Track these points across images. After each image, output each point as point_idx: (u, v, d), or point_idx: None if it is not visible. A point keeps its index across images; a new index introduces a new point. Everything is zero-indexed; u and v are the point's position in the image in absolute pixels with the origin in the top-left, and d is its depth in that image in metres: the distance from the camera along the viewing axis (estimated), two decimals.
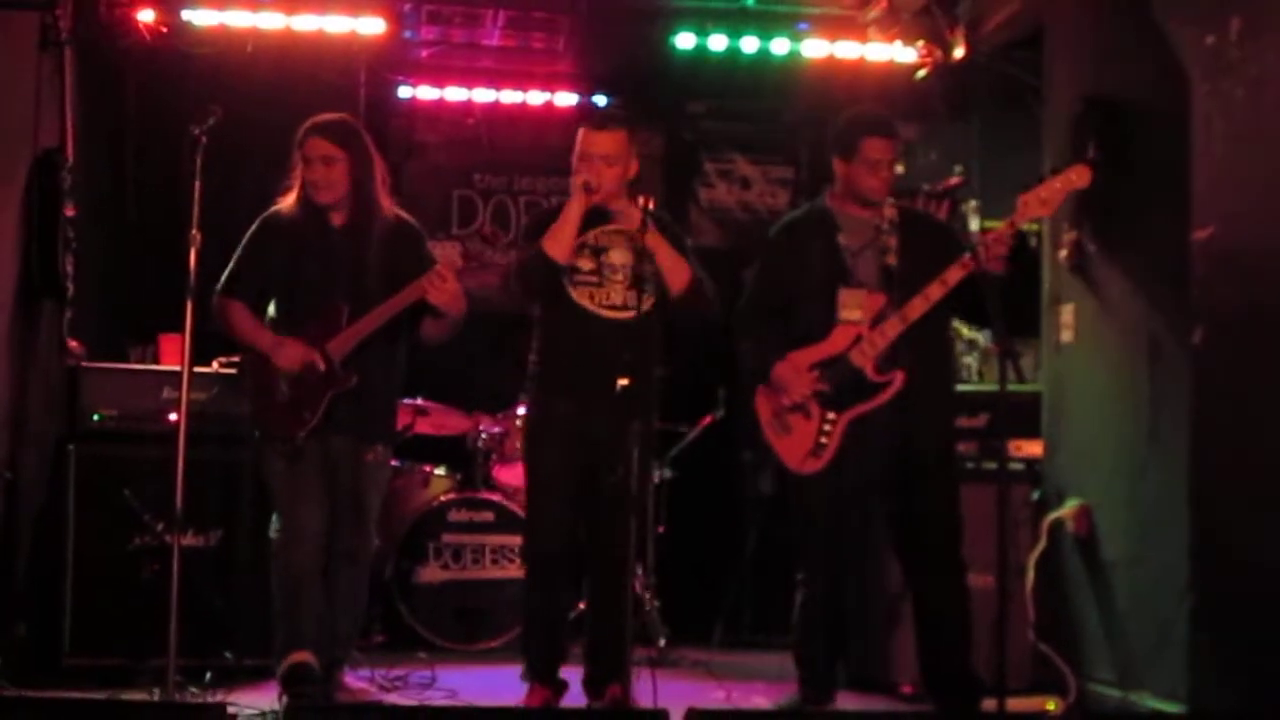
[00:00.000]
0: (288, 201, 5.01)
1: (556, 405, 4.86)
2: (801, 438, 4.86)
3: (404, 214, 5.10)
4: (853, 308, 4.83)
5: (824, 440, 4.82)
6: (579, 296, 4.83)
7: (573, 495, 4.86)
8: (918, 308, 4.76)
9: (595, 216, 4.89)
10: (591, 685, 4.89)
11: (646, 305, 4.81)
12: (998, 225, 4.87)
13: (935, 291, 4.74)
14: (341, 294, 4.90)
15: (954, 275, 4.72)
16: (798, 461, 4.86)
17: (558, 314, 4.86)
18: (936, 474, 4.88)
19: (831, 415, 4.83)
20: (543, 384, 4.93)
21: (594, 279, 4.84)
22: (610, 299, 4.82)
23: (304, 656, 4.74)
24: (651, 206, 4.75)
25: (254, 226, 5.02)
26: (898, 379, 4.79)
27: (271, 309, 5.01)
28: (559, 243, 4.76)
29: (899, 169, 5.03)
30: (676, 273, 4.81)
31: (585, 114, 6.72)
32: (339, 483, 4.91)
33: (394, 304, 4.86)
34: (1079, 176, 4.76)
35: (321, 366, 4.85)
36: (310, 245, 4.93)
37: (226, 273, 4.97)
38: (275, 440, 4.89)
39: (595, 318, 4.81)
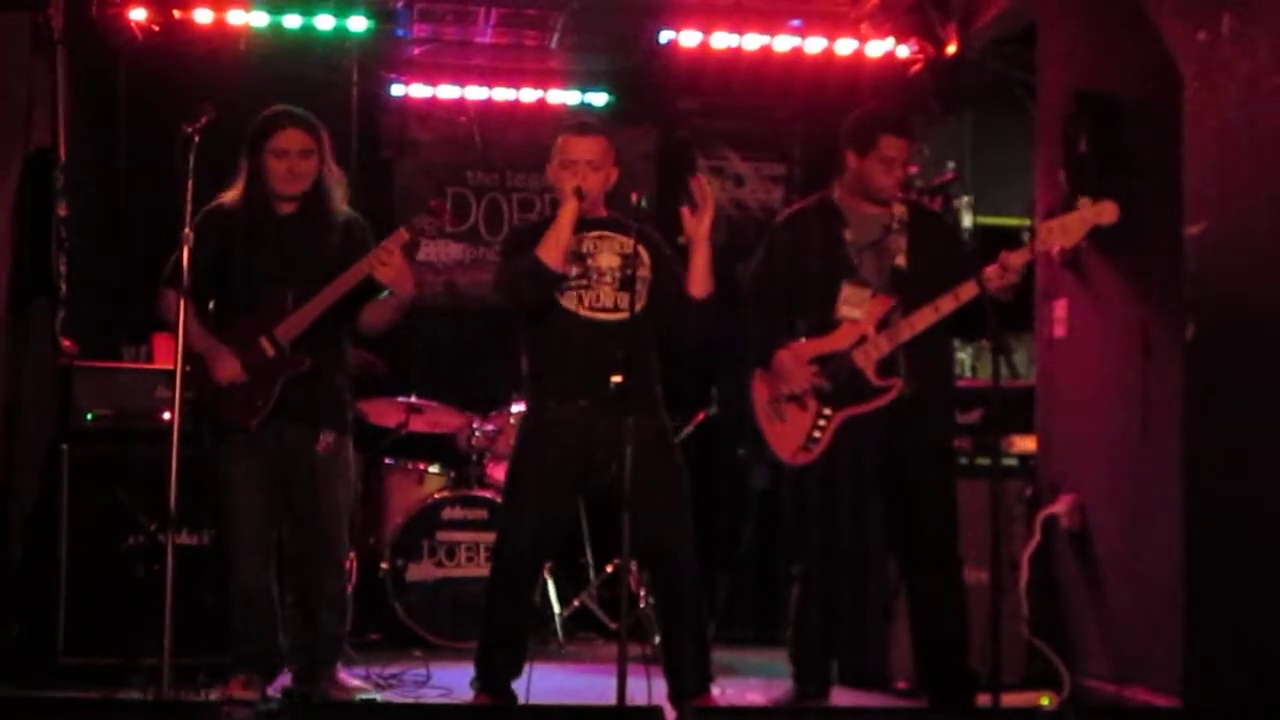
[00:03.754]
0: (232, 195, 4.93)
1: (555, 409, 4.74)
2: (795, 428, 4.85)
3: (354, 212, 5.03)
4: (854, 305, 4.81)
5: (817, 435, 4.82)
6: (566, 301, 4.72)
7: (560, 501, 4.80)
8: (927, 318, 4.73)
9: (577, 224, 4.76)
10: (678, 702, 4.65)
11: (638, 306, 4.65)
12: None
13: (946, 304, 4.72)
14: (288, 282, 4.84)
15: (967, 291, 4.66)
16: (789, 452, 4.85)
17: (548, 319, 4.74)
18: (933, 471, 4.87)
19: (827, 411, 4.81)
20: (540, 389, 4.81)
21: (582, 282, 4.73)
22: (600, 301, 4.72)
23: (236, 689, 4.77)
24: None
25: (196, 219, 4.76)
26: (896, 386, 4.77)
27: (214, 302, 4.94)
28: (555, 250, 4.64)
29: (912, 169, 4.97)
30: (705, 280, 4.70)
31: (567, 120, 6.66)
32: (295, 481, 4.86)
33: (340, 284, 4.79)
34: (1107, 213, 4.73)
35: (271, 351, 4.81)
36: (257, 236, 4.87)
37: (170, 265, 4.82)
38: (230, 430, 4.84)
39: (586, 320, 4.71)
